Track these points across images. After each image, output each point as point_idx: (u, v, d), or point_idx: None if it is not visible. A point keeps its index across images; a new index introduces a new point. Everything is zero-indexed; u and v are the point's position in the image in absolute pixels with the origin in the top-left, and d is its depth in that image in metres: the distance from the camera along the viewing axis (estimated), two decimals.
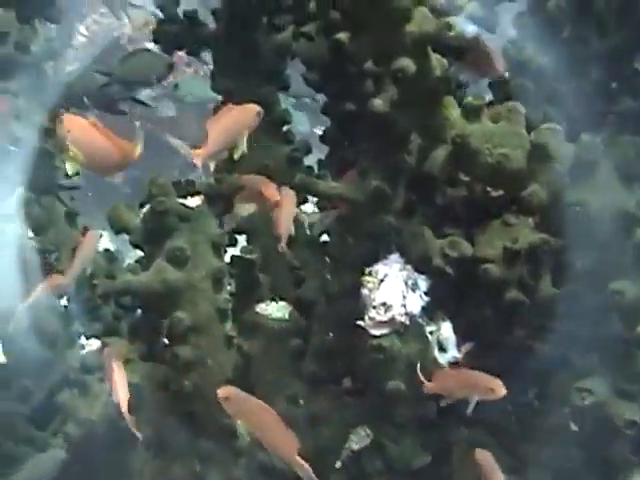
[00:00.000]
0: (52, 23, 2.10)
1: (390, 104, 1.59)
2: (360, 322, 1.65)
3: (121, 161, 1.64)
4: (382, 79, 1.61)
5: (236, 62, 2.06)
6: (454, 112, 1.64)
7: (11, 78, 2.16)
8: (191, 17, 2.06)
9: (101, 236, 1.98)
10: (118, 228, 1.80)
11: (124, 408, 1.68)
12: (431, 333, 1.69)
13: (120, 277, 1.76)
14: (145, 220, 1.77)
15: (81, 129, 1.63)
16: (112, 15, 4.89)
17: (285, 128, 2.10)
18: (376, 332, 1.65)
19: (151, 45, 4.75)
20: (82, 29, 4.98)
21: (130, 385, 1.88)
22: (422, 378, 1.61)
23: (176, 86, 4.33)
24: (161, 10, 2.07)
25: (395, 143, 1.67)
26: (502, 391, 1.54)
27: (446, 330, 1.70)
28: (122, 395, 1.70)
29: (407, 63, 1.55)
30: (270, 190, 1.75)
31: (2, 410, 2.11)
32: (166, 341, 1.82)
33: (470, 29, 1.74)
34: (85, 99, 2.25)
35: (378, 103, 1.59)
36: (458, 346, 1.71)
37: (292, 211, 1.76)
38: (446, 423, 1.75)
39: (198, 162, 1.61)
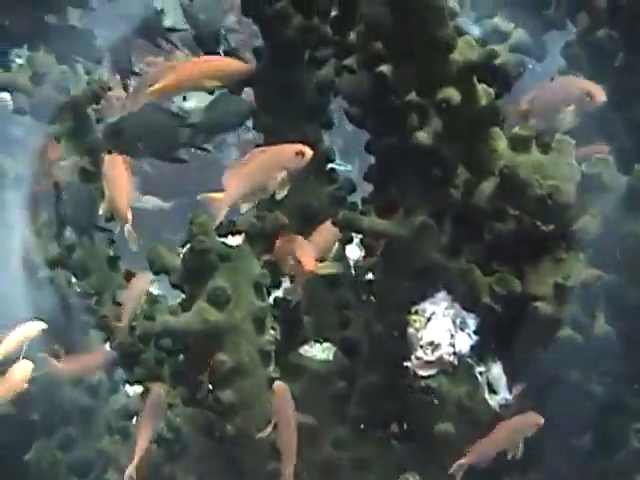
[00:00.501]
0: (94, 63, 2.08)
1: (435, 136, 1.54)
2: (407, 362, 1.60)
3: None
4: (426, 111, 1.57)
5: (277, 99, 2.02)
6: (501, 143, 1.58)
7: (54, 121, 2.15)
8: (232, 54, 2.03)
9: (152, 282, 1.93)
10: (157, 268, 1.77)
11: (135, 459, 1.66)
12: (481, 374, 1.63)
13: (159, 319, 1.72)
14: (185, 260, 1.73)
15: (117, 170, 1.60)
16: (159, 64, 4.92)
17: (329, 166, 2.05)
18: (423, 372, 1.59)
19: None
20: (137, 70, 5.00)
21: (172, 430, 1.86)
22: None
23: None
24: (200, 47, 2.04)
25: (440, 177, 1.62)
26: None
27: (496, 370, 1.64)
28: (139, 445, 1.67)
29: (452, 93, 1.50)
30: (308, 260, 1.69)
31: (44, 459, 2.08)
32: (208, 385, 1.77)
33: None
34: (139, 144, 2.19)
35: (422, 136, 1.55)
36: (509, 387, 1.64)
37: (324, 246, 1.73)
38: (498, 468, 1.67)
39: (218, 211, 1.58)
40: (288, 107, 2.02)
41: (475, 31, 1.91)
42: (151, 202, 4.12)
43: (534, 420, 1.59)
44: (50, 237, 2.17)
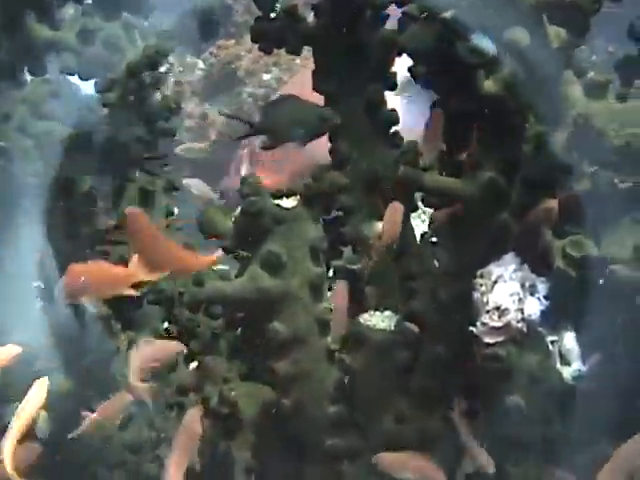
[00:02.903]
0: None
1: (503, 84, 1.42)
2: (472, 329, 1.48)
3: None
4: (494, 59, 1.45)
5: (339, 60, 1.92)
6: (575, 90, 1.46)
7: None
8: (291, 13, 1.93)
9: None
10: (209, 232, 1.68)
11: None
12: (552, 343, 1.50)
13: (209, 284, 1.63)
14: (237, 223, 1.64)
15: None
16: (229, 48, 4.86)
17: (392, 130, 1.94)
18: (490, 340, 1.47)
19: (267, 77, 4.81)
20: (200, 63, 4.96)
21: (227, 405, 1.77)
22: None
23: None
24: (258, 6, 1.94)
25: (509, 129, 1.50)
26: None
27: (569, 340, 1.52)
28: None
29: (521, 34, 1.39)
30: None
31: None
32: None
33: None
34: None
35: (489, 85, 1.44)
36: (583, 358, 1.52)
37: (398, 222, 1.62)
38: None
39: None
40: (350, 68, 1.92)
41: None
42: (195, 186, 4.01)
43: None
44: None
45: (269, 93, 4.71)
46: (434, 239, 1.64)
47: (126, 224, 1.50)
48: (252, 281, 1.62)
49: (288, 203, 1.65)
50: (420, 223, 1.90)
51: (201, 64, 4.97)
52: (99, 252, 2.03)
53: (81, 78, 1.92)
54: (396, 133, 1.94)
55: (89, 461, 2.00)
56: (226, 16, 5.01)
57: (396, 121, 1.95)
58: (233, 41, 4.90)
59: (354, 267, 1.78)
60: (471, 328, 1.48)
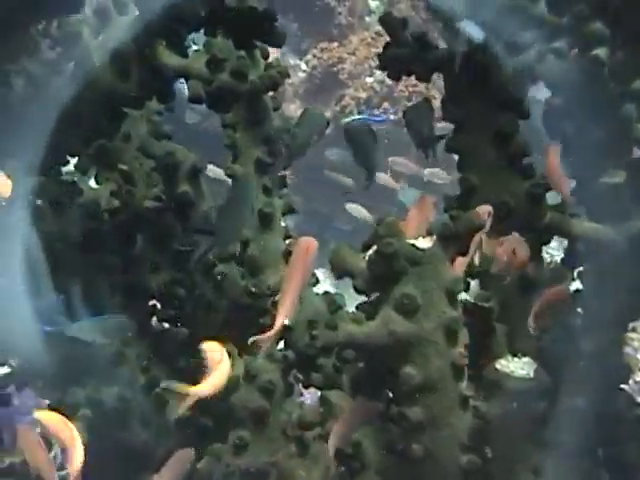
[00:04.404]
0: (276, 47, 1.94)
1: None
2: (624, 386, 1.40)
3: None
4: None
5: (469, 88, 1.86)
6: None
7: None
8: (421, 39, 1.87)
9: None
10: (341, 272, 1.62)
11: None
12: None
13: (343, 328, 1.57)
14: (371, 264, 1.58)
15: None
16: (332, 50, 4.81)
17: (525, 161, 1.87)
18: None
19: (370, 80, 4.75)
20: (302, 65, 4.93)
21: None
22: None
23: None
24: (388, 32, 1.89)
25: None
26: None
27: None
28: None
29: None
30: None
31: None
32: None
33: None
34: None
35: None
36: None
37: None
38: None
39: None
40: (481, 96, 1.86)
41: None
42: (354, 210, 4.03)
43: None
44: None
45: (371, 96, 4.66)
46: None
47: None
48: (385, 325, 1.56)
49: (423, 243, 1.59)
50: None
51: (303, 66, 4.93)
52: None
53: (209, 107, 1.88)
54: (529, 164, 1.87)
55: None
56: (329, 18, 4.97)
57: (528, 152, 1.88)
58: (336, 43, 4.85)
59: (486, 305, 1.71)
60: (622, 385, 1.40)
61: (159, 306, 2.13)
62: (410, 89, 4.67)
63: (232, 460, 1.93)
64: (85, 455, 1.60)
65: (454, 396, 1.60)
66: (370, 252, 1.59)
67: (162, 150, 2.05)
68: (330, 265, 1.63)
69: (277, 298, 1.61)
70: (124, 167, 2.03)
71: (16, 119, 1.81)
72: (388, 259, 1.56)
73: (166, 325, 2.12)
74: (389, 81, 4.63)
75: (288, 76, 2.10)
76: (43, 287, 1.86)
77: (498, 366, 1.61)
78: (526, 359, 1.62)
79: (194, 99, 1.85)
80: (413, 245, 1.58)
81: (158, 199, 2.02)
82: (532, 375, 1.60)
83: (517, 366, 1.61)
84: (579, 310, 1.56)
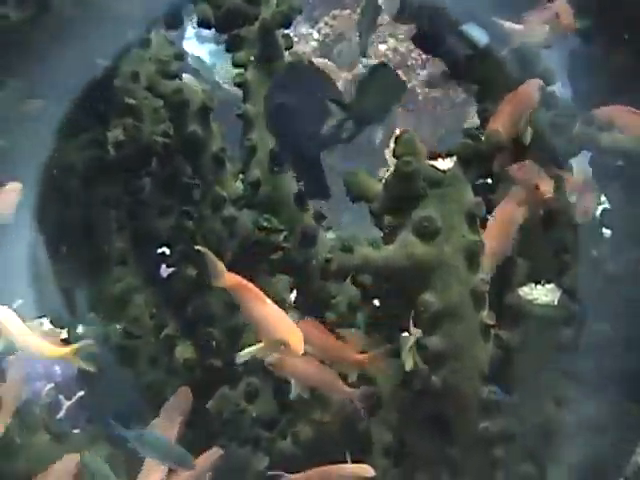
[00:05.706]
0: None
1: None
2: None
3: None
4: None
5: None
6: None
7: None
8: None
9: None
10: (357, 195, 1.56)
11: None
12: None
13: (359, 251, 1.50)
14: (388, 185, 1.52)
15: None
16: (345, 18, 4.76)
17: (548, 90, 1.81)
18: None
19: (383, 47, 4.68)
20: (314, 33, 4.87)
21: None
22: None
23: None
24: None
25: None
26: None
27: None
28: None
29: None
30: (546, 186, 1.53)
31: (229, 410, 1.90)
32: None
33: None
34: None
35: None
36: None
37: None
38: None
39: None
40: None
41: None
42: None
43: None
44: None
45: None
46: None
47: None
48: (404, 248, 1.50)
49: (444, 164, 1.52)
50: None
51: (316, 34, 4.87)
52: None
53: (218, 30, 1.81)
54: (551, 94, 1.81)
55: None
56: None
57: (554, 83, 1.81)
58: (348, 11, 4.79)
59: None
60: None
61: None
62: (423, 57, 4.60)
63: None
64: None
65: (475, 325, 1.53)
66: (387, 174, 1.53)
67: (169, 88, 1.98)
68: (346, 188, 1.57)
69: None
70: (132, 101, 1.96)
71: None
72: (407, 179, 1.49)
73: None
74: (402, 49, 4.57)
75: (300, 12, 2.03)
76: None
77: (521, 293, 1.54)
78: (550, 286, 1.55)
79: (203, 23, 1.79)
80: (433, 166, 1.51)
81: (166, 135, 1.95)
82: (556, 302, 1.53)
83: (541, 293, 1.55)
84: (607, 231, 1.49)
